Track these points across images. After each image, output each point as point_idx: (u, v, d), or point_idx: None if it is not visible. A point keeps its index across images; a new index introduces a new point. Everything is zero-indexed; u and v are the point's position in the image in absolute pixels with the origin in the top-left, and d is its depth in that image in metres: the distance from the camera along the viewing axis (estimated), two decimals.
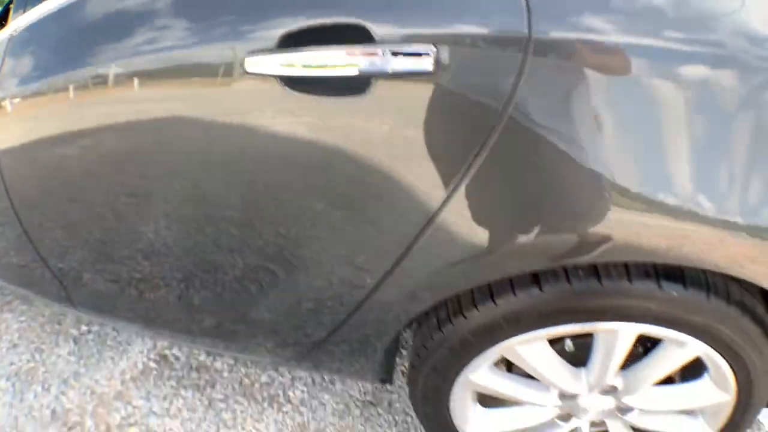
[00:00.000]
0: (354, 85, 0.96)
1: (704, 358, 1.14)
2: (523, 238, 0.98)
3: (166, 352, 1.97)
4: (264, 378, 1.86)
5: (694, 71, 0.88)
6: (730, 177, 0.90)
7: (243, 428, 1.73)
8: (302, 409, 1.77)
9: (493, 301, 1.08)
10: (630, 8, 0.88)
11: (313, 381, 1.84)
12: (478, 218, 0.99)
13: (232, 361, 1.92)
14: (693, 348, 1.10)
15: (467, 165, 0.95)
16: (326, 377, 1.85)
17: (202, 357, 1.94)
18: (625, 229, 0.94)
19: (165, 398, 1.83)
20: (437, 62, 0.91)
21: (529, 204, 0.97)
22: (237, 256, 1.25)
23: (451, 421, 1.34)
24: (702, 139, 0.90)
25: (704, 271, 1.02)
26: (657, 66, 0.88)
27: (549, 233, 0.97)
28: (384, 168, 1.00)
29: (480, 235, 1.00)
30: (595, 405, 1.26)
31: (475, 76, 0.93)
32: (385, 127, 0.99)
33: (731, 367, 1.13)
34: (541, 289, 1.04)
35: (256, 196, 1.15)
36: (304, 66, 0.97)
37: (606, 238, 0.95)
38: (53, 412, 1.81)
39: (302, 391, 1.81)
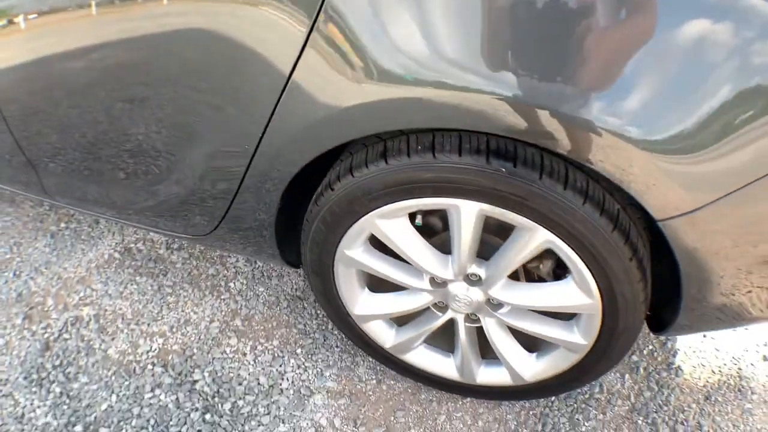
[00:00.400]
0: None
1: (557, 251, 1.16)
2: (366, 97, 1.04)
3: (132, 245, 2.14)
4: (211, 270, 2.02)
5: None
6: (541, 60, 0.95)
7: (183, 310, 1.89)
8: (238, 298, 1.92)
9: (352, 174, 1.18)
10: None
11: (253, 276, 1.99)
12: (326, 77, 1.06)
13: (187, 255, 2.08)
14: (539, 234, 1.14)
15: (310, 25, 1.03)
16: (265, 272, 1.99)
17: (162, 250, 2.11)
18: (457, 91, 0.99)
19: (121, 283, 2.00)
20: None
21: (367, 63, 1.02)
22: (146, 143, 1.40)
23: (341, 301, 1.46)
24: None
25: (542, 155, 1.08)
26: None
27: (386, 94, 1.03)
28: (244, 38, 1.10)
29: (329, 94, 1.08)
30: (464, 294, 1.33)
31: None
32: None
33: (588, 267, 1.16)
34: (387, 162, 1.13)
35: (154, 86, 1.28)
36: None
37: (434, 101, 1.01)
38: (19, 294, 2.00)
39: (242, 284, 1.96)
